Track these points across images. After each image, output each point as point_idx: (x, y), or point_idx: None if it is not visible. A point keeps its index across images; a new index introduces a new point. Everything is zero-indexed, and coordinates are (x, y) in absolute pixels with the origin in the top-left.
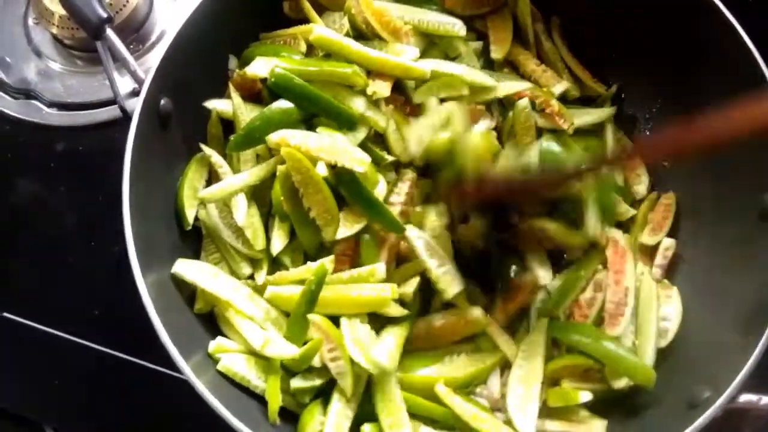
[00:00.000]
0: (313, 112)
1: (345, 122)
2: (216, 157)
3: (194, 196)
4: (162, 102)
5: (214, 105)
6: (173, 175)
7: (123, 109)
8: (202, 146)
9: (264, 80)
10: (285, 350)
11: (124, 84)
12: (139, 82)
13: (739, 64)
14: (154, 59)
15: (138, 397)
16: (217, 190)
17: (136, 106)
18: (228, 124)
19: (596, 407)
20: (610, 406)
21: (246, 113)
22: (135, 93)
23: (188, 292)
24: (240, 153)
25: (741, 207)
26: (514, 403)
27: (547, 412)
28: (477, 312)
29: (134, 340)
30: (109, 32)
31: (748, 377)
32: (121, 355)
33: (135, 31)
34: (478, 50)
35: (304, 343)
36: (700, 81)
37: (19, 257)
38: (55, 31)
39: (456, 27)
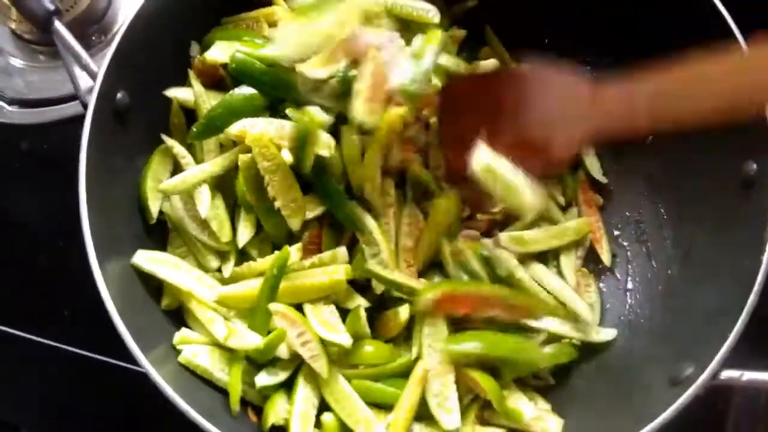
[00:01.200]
0: (277, 97)
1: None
2: (178, 148)
3: (158, 189)
4: (118, 96)
5: (175, 94)
6: (137, 168)
7: (84, 105)
8: (164, 137)
9: (226, 66)
10: (249, 340)
11: (86, 78)
12: (93, 76)
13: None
14: None
15: (114, 396)
16: (179, 181)
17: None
18: (191, 114)
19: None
20: None
21: (208, 101)
22: None
23: (155, 287)
24: (203, 142)
25: (722, 177)
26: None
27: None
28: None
29: (106, 340)
30: (58, 24)
31: (730, 352)
32: (93, 355)
33: (96, 22)
34: (454, 37)
35: (269, 333)
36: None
37: None
38: (13, 26)
39: (430, 14)
